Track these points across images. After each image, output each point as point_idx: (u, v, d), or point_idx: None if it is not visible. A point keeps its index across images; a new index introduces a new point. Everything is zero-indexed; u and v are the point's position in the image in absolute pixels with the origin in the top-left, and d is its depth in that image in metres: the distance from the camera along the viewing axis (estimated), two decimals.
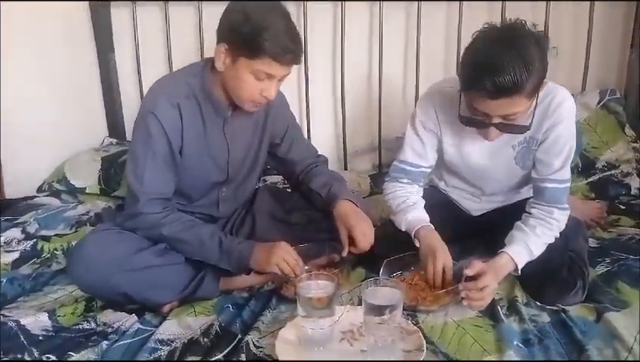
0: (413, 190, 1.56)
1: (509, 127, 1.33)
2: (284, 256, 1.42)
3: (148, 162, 1.43)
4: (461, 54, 1.38)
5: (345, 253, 1.49)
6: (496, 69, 1.21)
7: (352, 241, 1.48)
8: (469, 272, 1.32)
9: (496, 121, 1.31)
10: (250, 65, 1.35)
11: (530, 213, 1.44)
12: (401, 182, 1.57)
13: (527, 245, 1.39)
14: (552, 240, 1.42)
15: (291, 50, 1.34)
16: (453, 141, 1.52)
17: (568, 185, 1.44)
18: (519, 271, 1.39)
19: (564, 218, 1.43)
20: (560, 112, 1.39)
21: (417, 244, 1.47)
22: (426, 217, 1.50)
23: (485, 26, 1.31)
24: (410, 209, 1.51)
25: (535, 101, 1.32)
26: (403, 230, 1.50)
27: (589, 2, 2.18)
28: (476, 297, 1.31)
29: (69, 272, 1.46)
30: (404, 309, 1.23)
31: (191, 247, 1.46)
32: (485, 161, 1.52)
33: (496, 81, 1.21)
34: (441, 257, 1.40)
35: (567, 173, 1.43)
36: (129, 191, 1.47)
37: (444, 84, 1.51)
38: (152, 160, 1.43)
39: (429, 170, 1.59)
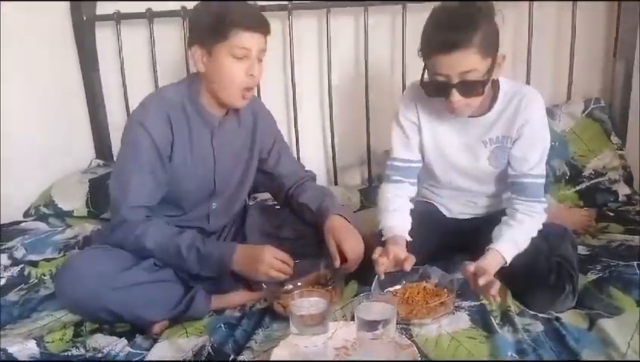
0: (403, 191, 1.58)
1: (467, 85, 1.37)
2: (271, 263, 1.43)
3: (134, 173, 1.44)
4: None
5: (337, 264, 1.49)
6: (444, 24, 1.35)
7: (342, 257, 1.48)
8: (470, 269, 1.35)
9: (455, 81, 1.36)
10: (226, 47, 1.42)
11: (515, 209, 1.48)
12: (393, 180, 1.59)
13: (515, 240, 1.44)
14: (536, 234, 1.46)
15: (255, 15, 1.45)
16: (431, 133, 1.57)
17: (544, 180, 1.51)
18: (507, 263, 1.42)
19: (543, 211, 1.49)
20: (532, 108, 1.47)
21: None
22: (403, 226, 1.51)
23: None
24: (390, 215, 1.53)
25: (491, 64, 1.37)
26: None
27: (571, 14, 2.20)
28: (487, 288, 1.32)
29: (57, 289, 1.44)
30: (397, 323, 1.22)
31: (168, 257, 1.45)
32: (458, 155, 1.56)
33: (445, 34, 1.32)
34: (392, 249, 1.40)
35: (543, 169, 1.51)
36: (112, 202, 1.47)
37: None
38: (139, 171, 1.44)
39: (418, 165, 1.60)
